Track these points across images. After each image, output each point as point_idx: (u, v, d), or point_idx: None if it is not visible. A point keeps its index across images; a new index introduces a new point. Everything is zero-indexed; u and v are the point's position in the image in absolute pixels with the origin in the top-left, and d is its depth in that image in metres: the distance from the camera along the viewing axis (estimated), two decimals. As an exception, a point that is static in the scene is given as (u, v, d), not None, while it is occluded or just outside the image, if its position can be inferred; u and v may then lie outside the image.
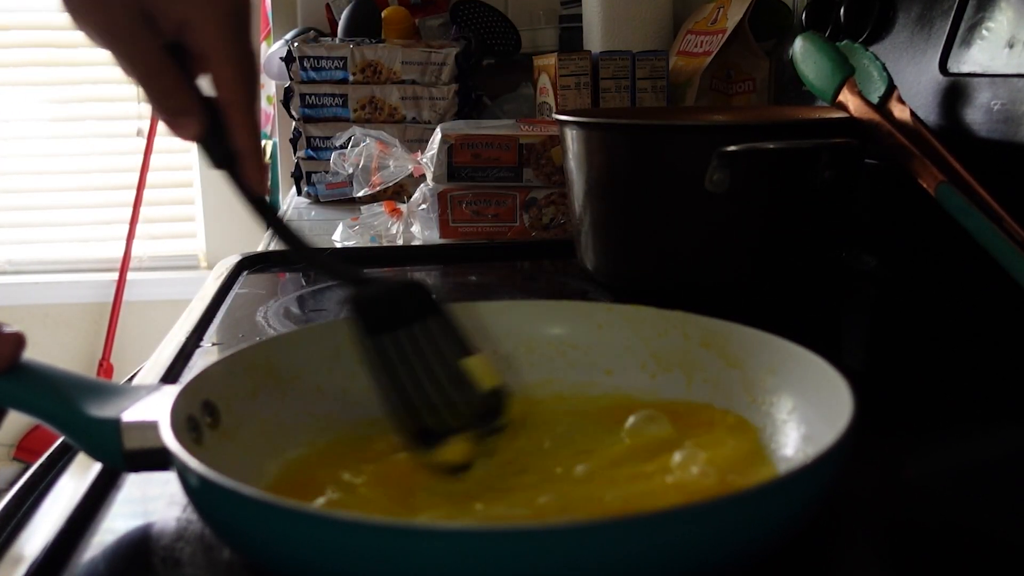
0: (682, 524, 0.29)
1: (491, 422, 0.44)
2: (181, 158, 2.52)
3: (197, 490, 0.34)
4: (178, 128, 0.45)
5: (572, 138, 0.76)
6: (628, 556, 0.29)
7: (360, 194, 1.05)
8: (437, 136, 0.96)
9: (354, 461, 0.43)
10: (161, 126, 1.91)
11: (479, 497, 0.39)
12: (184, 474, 0.34)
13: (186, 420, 0.39)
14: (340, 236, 1.01)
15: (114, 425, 0.40)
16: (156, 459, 0.38)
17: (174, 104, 0.45)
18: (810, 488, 0.33)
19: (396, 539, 0.29)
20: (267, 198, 0.47)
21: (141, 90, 0.45)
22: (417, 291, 0.46)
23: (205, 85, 0.47)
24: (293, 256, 0.48)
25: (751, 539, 0.31)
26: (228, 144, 0.46)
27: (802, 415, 0.42)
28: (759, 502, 0.31)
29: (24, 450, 2.37)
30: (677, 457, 0.40)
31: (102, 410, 0.41)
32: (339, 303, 0.45)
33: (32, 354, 0.41)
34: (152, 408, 0.41)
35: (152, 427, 0.38)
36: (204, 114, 0.45)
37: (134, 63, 0.44)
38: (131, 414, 0.41)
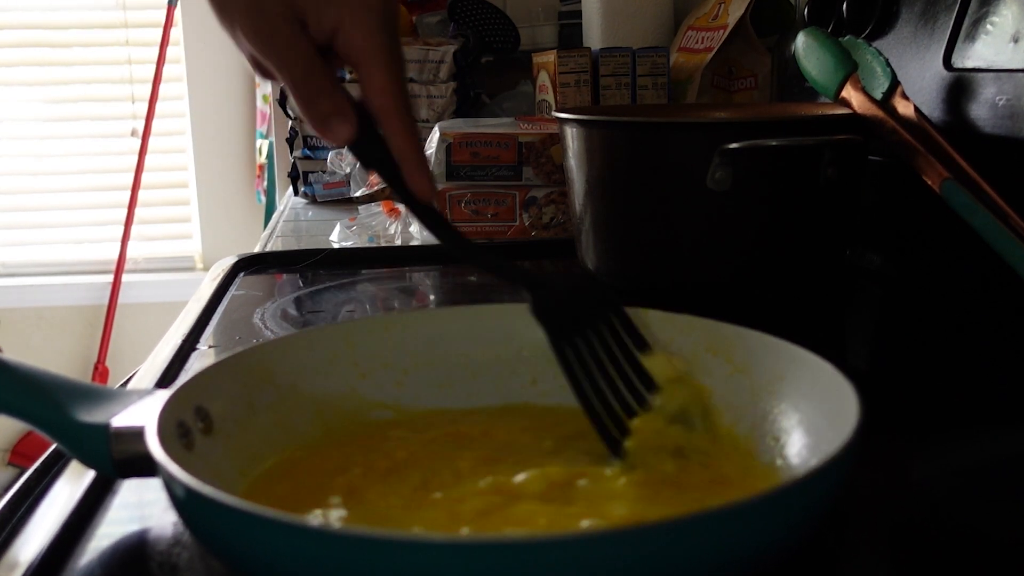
0: (684, 533, 0.29)
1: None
2: (176, 158, 2.52)
3: (182, 500, 0.33)
4: (329, 132, 0.44)
5: (572, 136, 0.76)
6: (631, 567, 0.28)
7: (358, 194, 1.04)
8: (435, 135, 0.96)
9: (352, 466, 0.42)
10: (157, 125, 1.90)
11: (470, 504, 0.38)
12: (169, 483, 0.33)
13: (176, 426, 0.38)
14: (337, 236, 1.00)
15: (103, 431, 0.39)
16: (146, 466, 0.37)
17: (327, 107, 0.44)
18: (814, 496, 0.32)
19: (389, 552, 0.28)
20: (434, 204, 0.46)
21: (292, 95, 0.44)
22: (593, 287, 0.46)
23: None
24: (461, 258, 0.47)
25: (756, 547, 0.31)
26: (383, 148, 0.45)
27: (810, 422, 0.41)
28: (762, 510, 0.30)
29: (19, 455, 2.37)
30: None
31: (92, 415, 0.40)
32: (527, 308, 0.46)
33: (26, 357, 0.41)
34: (143, 413, 0.40)
35: (142, 433, 0.37)
36: (357, 117, 0.44)
37: (288, 67, 0.44)
38: (121, 419, 0.40)
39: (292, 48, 0.43)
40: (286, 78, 0.44)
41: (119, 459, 0.39)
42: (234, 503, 0.30)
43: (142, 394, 0.42)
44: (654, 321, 0.49)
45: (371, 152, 0.45)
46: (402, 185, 0.45)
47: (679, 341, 0.48)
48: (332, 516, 0.38)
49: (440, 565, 0.28)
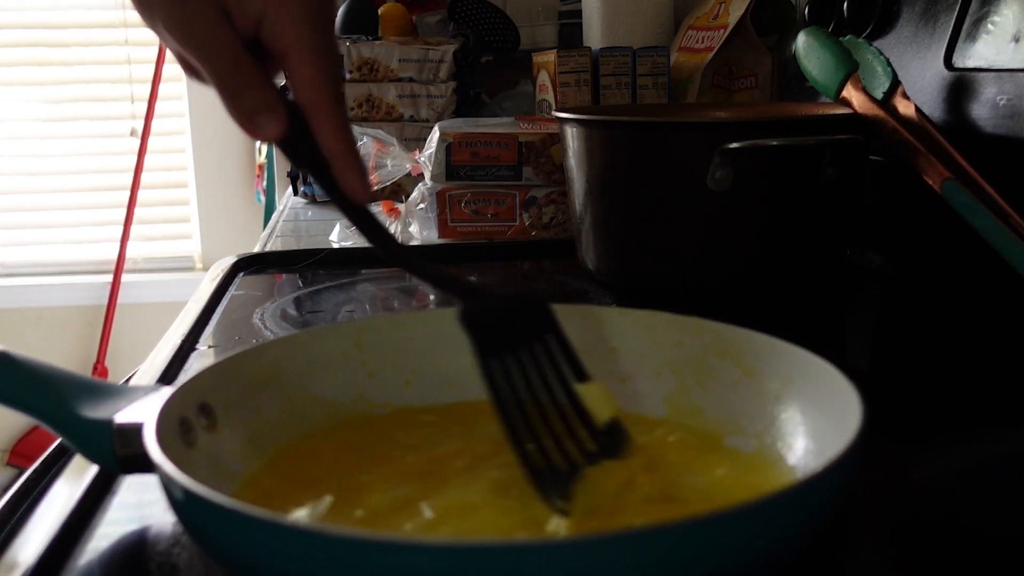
0: (686, 537, 0.29)
1: (608, 456, 0.40)
2: (176, 158, 2.51)
3: (177, 500, 0.33)
4: (256, 129, 0.42)
5: (572, 136, 0.76)
6: (631, 570, 0.28)
7: (357, 193, 1.04)
8: (435, 134, 0.96)
9: (354, 466, 0.42)
10: (156, 125, 1.90)
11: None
12: (164, 482, 0.33)
13: (179, 422, 0.38)
14: (337, 236, 1.00)
15: (106, 426, 0.39)
16: (149, 461, 0.37)
17: (252, 102, 0.42)
18: (815, 501, 0.32)
19: (387, 554, 0.28)
20: (368, 205, 0.43)
21: (216, 90, 0.42)
22: (533, 305, 0.43)
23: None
24: (398, 264, 0.44)
25: (757, 550, 0.31)
26: (313, 147, 0.43)
27: (814, 425, 0.41)
28: (763, 515, 0.30)
29: (18, 455, 2.37)
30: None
31: (96, 411, 0.40)
32: (457, 319, 0.41)
33: (25, 357, 0.41)
34: (147, 410, 0.40)
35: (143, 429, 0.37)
36: (286, 113, 0.42)
37: (211, 60, 0.41)
38: (124, 416, 0.40)
39: (214, 39, 0.41)
40: (209, 72, 0.42)
41: (122, 455, 0.39)
42: (228, 504, 0.30)
43: (147, 390, 0.42)
44: (662, 323, 0.48)
45: (301, 150, 0.43)
46: (333, 186, 0.43)
47: (688, 343, 0.48)
48: (322, 512, 0.38)
49: (436, 568, 0.28)
